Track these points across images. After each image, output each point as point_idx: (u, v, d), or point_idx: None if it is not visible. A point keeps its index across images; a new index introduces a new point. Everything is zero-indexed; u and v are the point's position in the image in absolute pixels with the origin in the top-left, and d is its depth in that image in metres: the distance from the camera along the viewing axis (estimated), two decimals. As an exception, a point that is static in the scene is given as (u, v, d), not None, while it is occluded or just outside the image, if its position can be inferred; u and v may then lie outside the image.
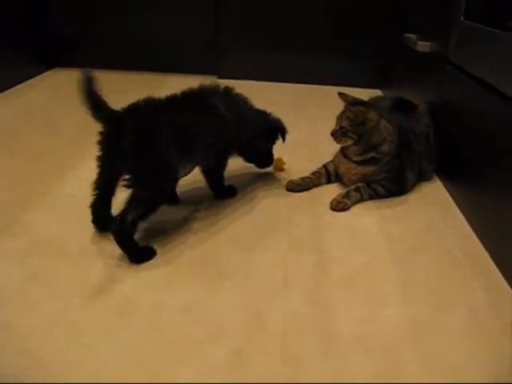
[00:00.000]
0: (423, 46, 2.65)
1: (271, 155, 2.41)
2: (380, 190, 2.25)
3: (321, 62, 3.95)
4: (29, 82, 3.78)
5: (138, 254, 1.79)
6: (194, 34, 4.00)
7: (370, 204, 2.24)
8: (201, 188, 2.23)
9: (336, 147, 2.39)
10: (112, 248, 1.79)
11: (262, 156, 2.37)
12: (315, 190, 2.35)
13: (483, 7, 2.13)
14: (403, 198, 2.30)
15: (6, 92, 3.48)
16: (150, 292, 1.66)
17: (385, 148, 2.22)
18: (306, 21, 3.87)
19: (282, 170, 2.49)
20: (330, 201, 2.20)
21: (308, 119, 3.25)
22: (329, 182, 2.41)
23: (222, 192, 2.24)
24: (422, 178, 2.42)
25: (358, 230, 2.05)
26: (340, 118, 2.28)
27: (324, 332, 1.52)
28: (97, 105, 1.68)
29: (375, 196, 2.25)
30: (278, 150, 2.44)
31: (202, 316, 1.56)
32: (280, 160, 2.49)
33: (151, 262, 1.80)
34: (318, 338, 1.49)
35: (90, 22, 4.04)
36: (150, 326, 1.52)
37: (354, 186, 2.24)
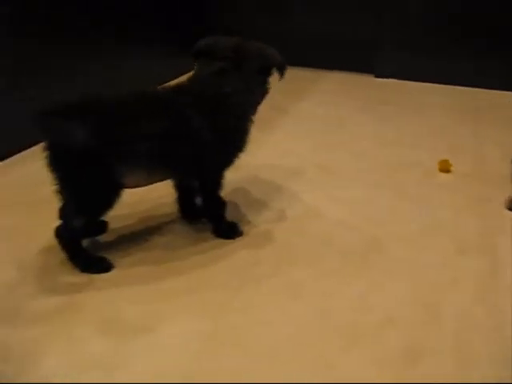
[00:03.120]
0: None
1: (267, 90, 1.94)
2: None
3: (484, 64, 3.79)
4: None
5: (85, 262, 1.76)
6: (351, 31, 4.01)
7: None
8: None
9: (500, 151, 2.30)
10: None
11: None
12: (480, 189, 2.32)
13: None
14: None
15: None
16: (322, 280, 1.73)
17: None
18: (468, 22, 3.73)
19: (448, 171, 2.47)
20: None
21: (468, 123, 3.14)
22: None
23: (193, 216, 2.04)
24: None
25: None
26: None
27: (495, 336, 1.50)
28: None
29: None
30: (443, 152, 2.42)
31: (371, 305, 1.62)
32: (447, 162, 2.47)
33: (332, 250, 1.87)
34: (489, 342, 1.48)
35: (246, 18, 4.18)
36: (322, 310, 1.60)
37: None
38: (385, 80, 3.89)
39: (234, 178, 2.22)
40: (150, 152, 1.65)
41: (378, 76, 3.95)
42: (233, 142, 1.83)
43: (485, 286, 1.70)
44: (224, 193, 1.93)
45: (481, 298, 1.65)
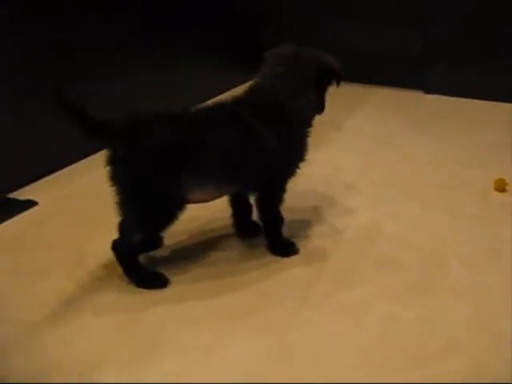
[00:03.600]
0: None
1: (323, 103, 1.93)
2: None
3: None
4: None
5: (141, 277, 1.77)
6: (400, 46, 3.97)
7: None
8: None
9: None
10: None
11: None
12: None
13: None
14: None
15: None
16: (384, 303, 1.71)
17: None
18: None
19: (504, 190, 2.42)
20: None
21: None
22: None
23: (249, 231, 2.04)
24: None
25: None
26: None
27: None
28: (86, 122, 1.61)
29: None
30: (497, 171, 2.40)
31: (433, 328, 1.59)
32: (502, 180, 2.42)
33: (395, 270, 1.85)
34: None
35: (297, 33, 4.17)
36: (383, 333, 1.58)
37: None
38: (434, 96, 3.84)
39: (289, 193, 2.23)
40: (218, 163, 1.67)
41: (427, 92, 3.90)
42: (296, 149, 1.83)
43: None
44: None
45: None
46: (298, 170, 1.86)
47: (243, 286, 1.76)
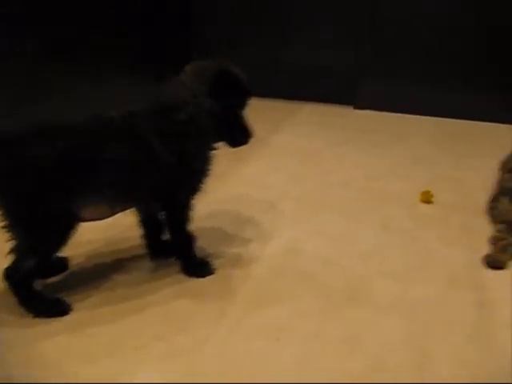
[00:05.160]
0: None
1: (241, 125, 1.76)
2: None
3: (464, 96, 3.75)
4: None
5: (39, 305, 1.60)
6: (330, 61, 3.97)
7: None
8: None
9: (481, 181, 2.22)
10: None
11: (227, 129, 1.74)
12: (463, 219, 2.22)
13: None
14: None
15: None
16: (304, 322, 1.60)
17: None
18: (451, 53, 3.71)
19: (429, 202, 2.39)
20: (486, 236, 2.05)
21: (448, 153, 3.08)
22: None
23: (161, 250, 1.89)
24: None
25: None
26: None
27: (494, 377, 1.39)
28: None
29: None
30: (424, 183, 2.38)
31: (357, 347, 1.49)
32: (428, 193, 2.40)
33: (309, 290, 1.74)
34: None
35: (227, 47, 4.13)
36: (304, 354, 1.46)
37: None
38: (363, 111, 3.83)
39: (208, 211, 2.11)
40: (109, 178, 1.53)
41: (356, 107, 3.90)
42: (193, 163, 1.68)
43: (477, 322, 1.60)
44: (197, 227, 1.81)
45: (474, 336, 1.54)
46: (201, 186, 1.72)
47: (150, 311, 1.60)
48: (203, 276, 1.79)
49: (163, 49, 3.75)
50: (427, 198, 2.40)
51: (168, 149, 1.60)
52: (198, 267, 1.81)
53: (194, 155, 1.67)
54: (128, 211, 1.73)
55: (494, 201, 2.21)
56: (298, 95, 4.05)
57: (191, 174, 1.69)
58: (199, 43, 4.11)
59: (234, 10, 4.06)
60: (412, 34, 3.73)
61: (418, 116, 3.80)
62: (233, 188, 2.40)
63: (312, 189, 2.53)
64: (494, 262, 1.91)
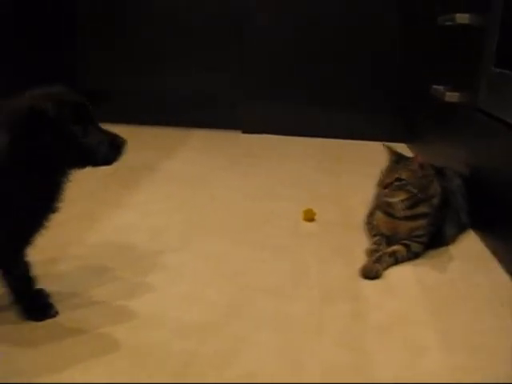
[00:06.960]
0: (452, 97, 2.64)
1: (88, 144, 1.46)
2: (419, 249, 2.13)
3: (343, 116, 3.98)
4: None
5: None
6: (217, 88, 4.07)
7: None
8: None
9: (361, 198, 2.35)
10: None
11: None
12: (343, 236, 2.31)
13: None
14: (438, 250, 2.23)
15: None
16: (180, 339, 1.57)
17: (435, 201, 2.13)
18: (330, 75, 3.91)
19: (312, 220, 2.46)
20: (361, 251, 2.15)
21: (332, 173, 3.23)
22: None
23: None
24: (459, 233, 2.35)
25: (392, 277, 1.99)
26: (391, 170, 2.12)
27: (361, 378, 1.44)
28: None
29: (413, 258, 2.12)
30: (307, 201, 2.45)
31: (231, 360, 1.50)
32: (310, 211, 2.47)
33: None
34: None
35: (113, 77, 4.13)
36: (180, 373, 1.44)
37: (390, 250, 2.09)
38: (250, 135, 3.93)
39: (84, 243, 2.07)
40: None
41: (244, 132, 3.99)
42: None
43: (349, 330, 1.65)
44: (68, 263, 1.72)
45: (345, 341, 1.59)
46: (44, 223, 1.51)
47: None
48: (42, 319, 1.58)
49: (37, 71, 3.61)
50: (310, 216, 2.47)
51: None
52: (37, 309, 1.60)
53: (18, 194, 1.42)
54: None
55: (371, 215, 2.33)
56: (188, 122, 4.11)
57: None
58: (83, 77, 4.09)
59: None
60: (293, 60, 3.91)
61: (304, 138, 3.98)
62: (116, 217, 2.37)
63: (195, 213, 2.53)
64: (368, 273, 1.98)
